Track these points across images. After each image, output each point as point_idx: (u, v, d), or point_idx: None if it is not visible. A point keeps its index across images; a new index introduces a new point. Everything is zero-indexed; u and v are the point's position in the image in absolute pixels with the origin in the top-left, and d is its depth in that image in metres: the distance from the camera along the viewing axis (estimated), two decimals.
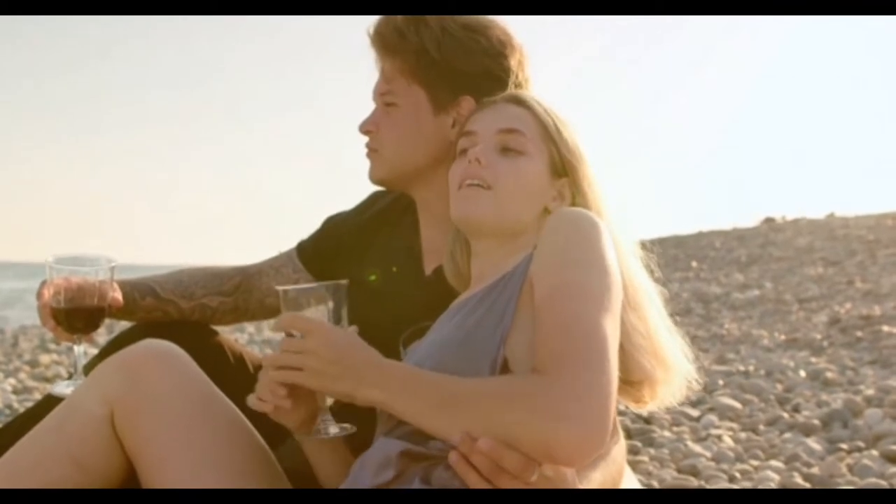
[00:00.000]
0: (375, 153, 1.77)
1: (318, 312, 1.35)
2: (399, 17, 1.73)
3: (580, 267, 1.28)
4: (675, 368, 1.44)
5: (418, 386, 1.24)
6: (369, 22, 1.78)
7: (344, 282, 1.38)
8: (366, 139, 1.79)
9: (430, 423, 1.22)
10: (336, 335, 1.29)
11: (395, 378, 1.25)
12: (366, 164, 1.80)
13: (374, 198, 1.95)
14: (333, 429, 1.37)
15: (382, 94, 1.76)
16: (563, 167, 1.47)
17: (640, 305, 1.40)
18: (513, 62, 1.73)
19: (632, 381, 1.41)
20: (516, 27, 1.78)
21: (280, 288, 1.37)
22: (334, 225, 1.97)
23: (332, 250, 1.92)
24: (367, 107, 1.81)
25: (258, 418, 1.45)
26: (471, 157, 1.45)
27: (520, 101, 1.51)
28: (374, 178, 1.80)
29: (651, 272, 1.49)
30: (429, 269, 1.78)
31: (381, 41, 1.75)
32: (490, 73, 1.70)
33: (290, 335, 1.32)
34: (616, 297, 1.29)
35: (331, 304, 1.36)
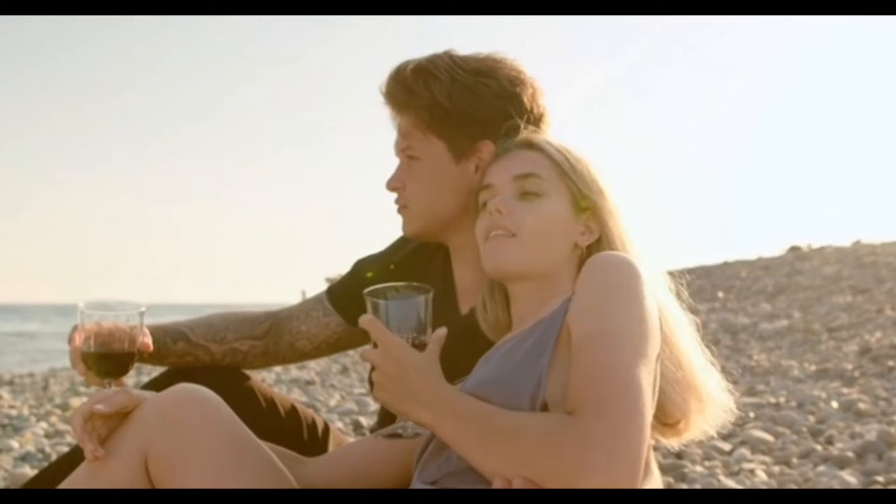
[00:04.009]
0: (406, 209, 1.80)
1: (398, 319, 1.35)
2: (407, 73, 1.74)
3: (618, 315, 1.29)
4: (709, 398, 1.44)
5: (467, 416, 1.26)
6: (383, 65, 1.79)
7: (428, 290, 1.38)
8: (394, 196, 1.80)
9: (472, 455, 1.25)
10: (400, 353, 1.31)
11: (446, 404, 1.28)
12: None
13: (403, 240, 1.95)
14: (412, 429, 1.39)
15: (403, 150, 1.78)
16: (584, 202, 1.48)
17: (672, 335, 1.41)
18: (525, 98, 1.74)
19: (668, 423, 1.41)
20: (527, 60, 1.79)
21: (366, 291, 1.38)
22: (364, 268, 1.97)
23: (376, 277, 1.92)
24: (379, 144, 1.81)
25: None
26: (491, 208, 1.48)
27: (531, 145, 1.53)
28: (409, 233, 1.82)
29: (680, 300, 1.49)
30: (464, 309, 1.79)
31: (393, 99, 1.77)
32: (504, 114, 1.71)
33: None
34: (654, 345, 1.29)
35: (413, 311, 1.36)
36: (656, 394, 1.33)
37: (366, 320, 1.35)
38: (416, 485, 1.38)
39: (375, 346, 1.33)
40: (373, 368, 1.34)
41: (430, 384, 1.29)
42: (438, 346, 1.35)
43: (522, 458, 1.19)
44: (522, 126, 1.65)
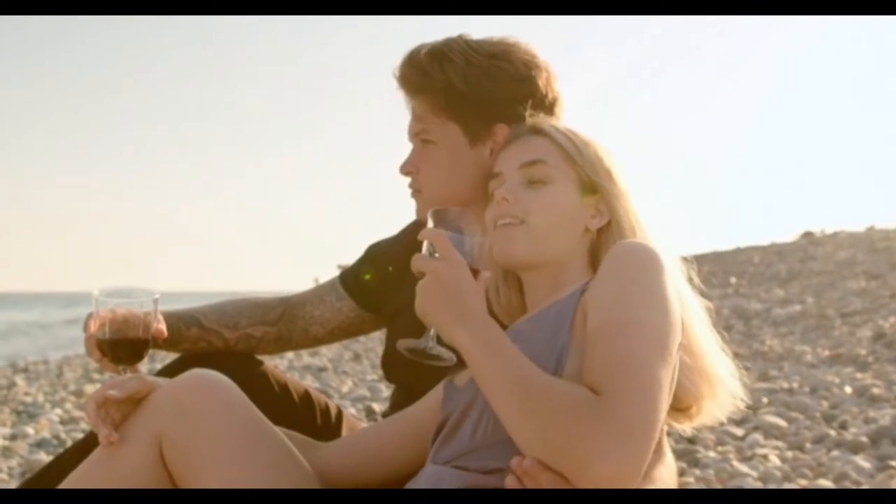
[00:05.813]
0: (419, 193, 1.80)
1: (456, 245, 1.34)
2: (422, 56, 1.75)
3: (641, 307, 1.28)
4: (720, 384, 1.43)
5: (504, 355, 1.25)
6: (389, 52, 1.79)
7: (483, 236, 1.38)
8: (407, 180, 1.81)
9: (495, 396, 1.23)
10: (460, 271, 1.30)
11: (488, 335, 1.27)
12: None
13: (415, 224, 1.95)
14: (435, 350, 1.36)
15: (417, 134, 1.78)
16: (592, 186, 1.48)
17: (684, 320, 1.40)
18: (540, 82, 1.74)
19: (679, 408, 1.41)
20: (542, 46, 1.79)
21: (431, 212, 1.38)
22: (377, 252, 1.98)
23: (376, 277, 1.93)
24: (388, 137, 1.82)
25: None
26: (498, 196, 1.48)
27: (538, 131, 1.53)
28: (423, 218, 1.80)
29: (692, 286, 1.49)
30: None
31: (408, 82, 1.77)
32: (519, 98, 1.71)
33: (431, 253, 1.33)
34: (674, 337, 1.29)
35: (469, 247, 1.35)
36: (673, 385, 1.32)
37: (431, 231, 1.34)
38: (429, 468, 1.39)
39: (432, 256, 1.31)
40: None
41: (480, 311, 1.29)
42: (484, 286, 1.34)
43: (543, 417, 1.18)
44: (528, 112, 1.64)
